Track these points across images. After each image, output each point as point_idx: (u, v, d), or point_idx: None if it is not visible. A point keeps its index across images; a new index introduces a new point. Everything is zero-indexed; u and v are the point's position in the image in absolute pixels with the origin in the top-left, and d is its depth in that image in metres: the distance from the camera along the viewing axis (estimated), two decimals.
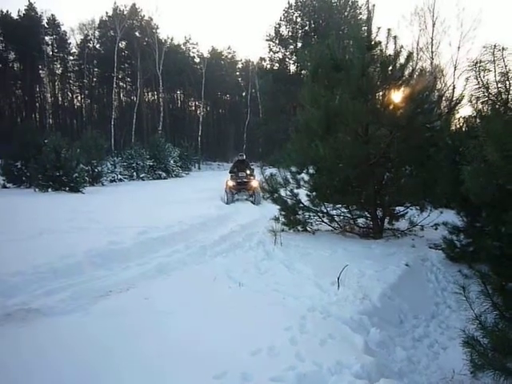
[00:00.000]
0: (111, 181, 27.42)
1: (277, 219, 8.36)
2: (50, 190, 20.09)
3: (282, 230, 8.14)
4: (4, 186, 24.09)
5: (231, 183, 15.07)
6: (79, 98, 57.88)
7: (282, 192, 8.52)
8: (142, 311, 4.52)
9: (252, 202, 14.67)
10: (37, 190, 20.32)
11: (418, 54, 26.47)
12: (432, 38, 28.05)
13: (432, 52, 28.00)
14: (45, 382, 3.14)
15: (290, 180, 8.45)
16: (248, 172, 15.57)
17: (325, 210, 8.46)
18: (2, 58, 48.35)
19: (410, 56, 7.75)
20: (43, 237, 8.19)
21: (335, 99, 7.69)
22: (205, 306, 4.58)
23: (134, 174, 30.05)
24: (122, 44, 51.79)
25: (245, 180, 15.19)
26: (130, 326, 4.09)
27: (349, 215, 8.56)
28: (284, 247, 7.18)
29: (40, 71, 51.29)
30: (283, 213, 8.50)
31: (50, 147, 20.88)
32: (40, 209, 12.68)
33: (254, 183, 14.56)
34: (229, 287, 5.27)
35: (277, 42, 45.41)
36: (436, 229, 7.54)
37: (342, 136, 7.73)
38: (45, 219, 10.16)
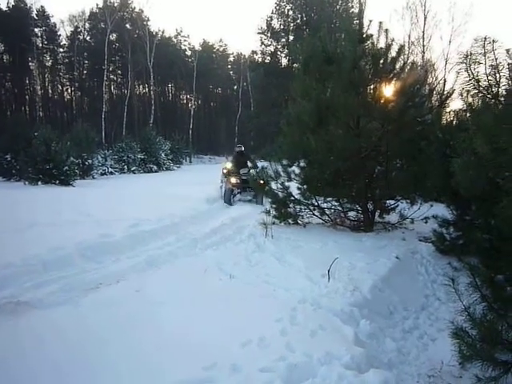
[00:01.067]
0: (102, 174, 27.28)
1: (268, 212, 8.37)
2: (40, 183, 19.94)
3: (273, 223, 8.14)
4: None
5: (234, 180, 12.57)
6: (69, 90, 57.42)
7: (273, 185, 8.51)
8: (132, 303, 4.51)
9: (256, 202, 12.42)
10: (27, 183, 20.16)
11: (409, 48, 26.56)
12: (423, 32, 28.16)
13: (423, 46, 28.11)
14: (38, 375, 3.13)
15: (281, 173, 8.44)
16: (250, 165, 12.63)
17: (316, 203, 8.47)
18: None
19: (401, 49, 7.77)
20: (33, 229, 8.12)
21: (327, 92, 7.69)
22: (195, 298, 4.58)
23: (125, 167, 29.91)
24: (113, 36, 51.41)
25: (248, 176, 12.56)
26: (120, 317, 4.08)
27: (340, 208, 8.58)
28: (275, 240, 7.19)
29: (29, 63, 50.75)
30: (274, 206, 8.51)
31: (40, 140, 20.71)
32: (30, 202, 12.58)
33: (261, 180, 12.54)
34: (219, 279, 5.27)
35: (268, 35, 45.28)
36: (426, 222, 7.58)
37: (334, 129, 7.73)
38: (35, 212, 10.08)
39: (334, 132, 7.69)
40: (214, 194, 13.46)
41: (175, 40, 61.09)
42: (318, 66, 7.86)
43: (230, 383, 2.96)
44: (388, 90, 7.45)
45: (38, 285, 5.34)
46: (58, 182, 19.94)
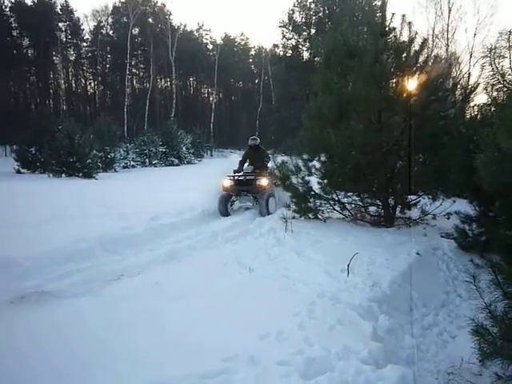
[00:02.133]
0: (124, 167, 27.61)
1: (288, 207, 8.37)
2: (63, 175, 20.29)
3: (293, 218, 8.13)
4: (18, 172, 24.37)
5: (227, 183, 10.14)
6: (92, 84, 58.04)
7: (294, 179, 8.49)
8: (152, 295, 4.57)
9: (260, 212, 9.59)
10: (51, 175, 20.53)
11: (433, 41, 26.12)
12: (448, 25, 27.67)
13: (448, 39, 27.63)
14: (56, 359, 3.20)
15: (302, 167, 8.42)
16: (260, 165, 10.67)
17: (336, 198, 8.43)
18: (16, 44, 48.53)
19: (424, 42, 7.66)
20: (56, 222, 8.28)
21: (348, 86, 7.63)
22: (215, 291, 4.61)
23: (147, 160, 30.20)
24: (135, 31, 51.76)
25: (249, 177, 10.13)
26: (140, 309, 4.14)
27: (360, 203, 8.53)
28: (295, 234, 7.18)
29: (54, 58, 51.46)
30: (294, 200, 8.50)
31: (63, 133, 21.05)
32: (53, 194, 12.80)
33: (264, 181, 9.91)
34: (239, 273, 5.30)
35: (290, 28, 45.08)
36: (448, 218, 7.48)
37: (354, 123, 7.67)
38: (58, 204, 10.26)
39: (354, 126, 7.63)
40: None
41: (197, 34, 61.21)
42: (340, 60, 7.80)
43: (248, 375, 2.98)
44: (410, 84, 7.35)
45: (60, 276, 5.46)
46: (81, 174, 20.25)
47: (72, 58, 55.13)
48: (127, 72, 47.21)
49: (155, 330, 3.69)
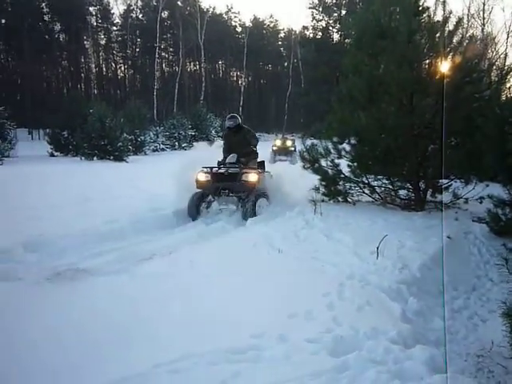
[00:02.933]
0: (154, 150, 27.92)
1: (317, 189, 8.36)
2: (95, 158, 20.69)
3: (322, 201, 8.12)
4: (52, 155, 24.95)
5: (203, 177, 8.10)
6: (122, 68, 58.64)
7: (323, 162, 8.46)
8: (183, 274, 4.66)
9: (244, 216, 7.61)
10: (83, 158, 20.97)
11: (468, 21, 25.39)
12: (484, 4, 26.83)
13: (483, 18, 26.82)
14: (93, 332, 3.32)
15: (331, 150, 8.37)
16: (245, 151, 8.51)
17: (366, 181, 8.37)
18: (48, 29, 49.26)
19: (459, 22, 7.47)
20: (89, 203, 8.51)
21: (379, 68, 7.52)
22: (244, 270, 4.67)
23: (176, 143, 30.47)
24: (165, 14, 51.90)
25: (232, 171, 8.10)
26: (172, 287, 4.23)
27: (390, 186, 8.45)
28: (324, 217, 7.18)
29: (85, 42, 52.08)
30: (323, 183, 8.46)
31: (95, 117, 21.42)
32: (86, 176, 13.08)
33: (252, 176, 7.98)
34: (268, 253, 5.35)
35: (320, 9, 44.51)
36: (481, 202, 7.35)
37: (385, 106, 7.58)
38: (91, 186, 10.50)
39: (385, 109, 7.54)
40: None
41: (226, 16, 60.99)
42: (371, 41, 7.68)
43: (277, 351, 3.03)
44: (444, 66, 7.20)
45: (94, 254, 5.65)
46: (112, 157, 20.61)
47: (102, 42, 55.74)
48: (156, 56, 47.47)
49: (186, 306, 3.78)
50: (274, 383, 2.68)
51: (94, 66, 52.06)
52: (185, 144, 30.65)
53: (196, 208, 7.98)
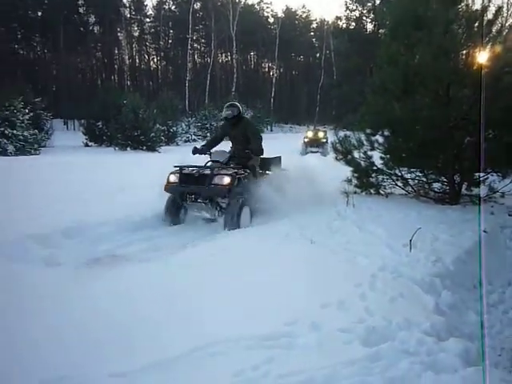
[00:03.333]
0: (185, 141, 28.21)
1: (349, 181, 8.32)
2: (128, 148, 21.06)
3: (354, 193, 8.09)
4: (86, 145, 25.50)
5: (172, 178, 6.97)
6: (155, 59, 59.25)
7: (356, 154, 8.42)
8: (216, 263, 4.73)
9: (225, 224, 6.49)
10: (117, 148, 21.36)
11: (508, 10, 24.63)
12: None
13: None
14: (133, 315, 3.44)
15: (364, 142, 8.31)
16: (247, 148, 7.23)
17: (399, 174, 8.29)
18: (83, 21, 50.16)
19: (498, 11, 7.26)
20: (124, 192, 8.70)
21: (415, 58, 7.41)
22: (276, 260, 4.72)
23: (208, 134, 30.68)
24: (197, 5, 52.08)
25: (203, 172, 6.76)
26: (206, 275, 4.31)
27: (424, 179, 8.34)
28: (356, 209, 7.15)
29: (118, 34, 52.81)
30: (356, 175, 8.43)
31: (128, 108, 21.78)
32: (120, 166, 13.33)
33: (226, 179, 6.58)
34: (301, 244, 5.38)
35: None
36: None
37: (421, 97, 7.47)
38: (125, 176, 10.71)
39: (420, 100, 7.44)
40: (297, 162, 13.35)
41: (258, 7, 60.85)
42: (407, 31, 7.56)
43: (310, 339, 3.08)
44: (482, 56, 7.04)
45: (130, 242, 5.82)
46: (144, 148, 20.94)
47: (136, 33, 56.46)
48: (189, 47, 47.78)
49: (220, 293, 3.85)
50: (307, 370, 2.72)
51: (127, 57, 52.79)
52: None
53: (172, 213, 6.99)
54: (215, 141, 7.87)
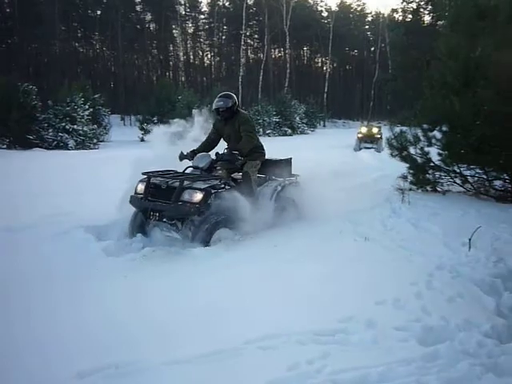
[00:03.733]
0: None
1: (404, 178, 8.13)
2: None
3: (410, 189, 7.90)
4: (142, 140, 26.13)
5: (140, 187, 5.62)
6: (209, 55, 59.94)
7: (412, 150, 8.22)
8: (269, 258, 4.75)
9: (192, 238, 5.24)
10: None
11: None
12: None
13: None
14: (190, 305, 3.54)
15: (421, 138, 8.10)
16: (242, 148, 5.94)
17: (457, 170, 8.02)
18: (139, 19, 51.43)
19: None
20: None
21: (476, 50, 7.14)
22: (331, 256, 4.69)
23: (261, 130, 30.79)
24: (251, 1, 52.21)
25: (172, 184, 5.38)
26: (261, 271, 4.32)
27: (484, 176, 8.03)
28: (411, 206, 6.99)
29: (173, 31, 53.77)
30: (411, 171, 8.22)
31: (183, 103, 22.16)
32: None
33: (195, 196, 5.20)
34: (354, 240, 5.33)
35: None
36: None
37: (482, 90, 7.19)
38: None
39: (482, 94, 7.16)
40: (349, 159, 13.21)
41: (311, 1, 60.32)
42: (468, 22, 7.29)
43: (365, 336, 3.05)
44: None
45: None
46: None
47: (190, 30, 57.23)
48: (242, 43, 48.06)
49: (273, 288, 3.87)
50: (362, 367, 2.69)
51: (181, 53, 53.77)
52: (269, 130, 30.91)
53: (136, 228, 5.67)
54: (209, 142, 6.31)
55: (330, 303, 3.56)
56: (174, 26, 53.28)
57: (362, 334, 3.08)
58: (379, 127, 23.16)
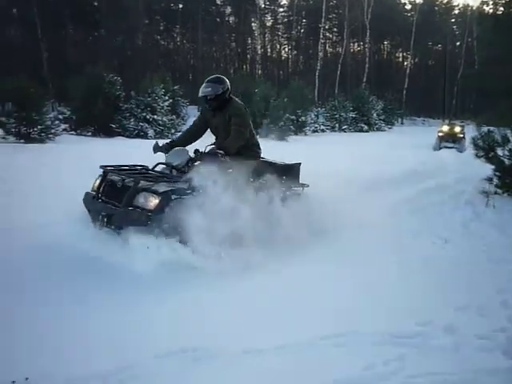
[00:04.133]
0: (313, 131, 28.18)
1: (490, 180, 7.73)
2: (258, 136, 21.61)
3: (495, 193, 7.50)
4: None
5: (97, 184, 4.72)
6: (286, 49, 59.77)
7: (500, 151, 7.80)
8: (340, 260, 4.62)
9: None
10: None
11: None
12: None
13: None
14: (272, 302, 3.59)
15: (510, 138, 7.68)
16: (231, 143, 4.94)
17: None
18: (219, 12, 52.24)
19: None
20: None
21: None
22: (407, 258, 4.59)
23: (336, 125, 30.42)
24: None
25: (128, 183, 4.43)
26: (329, 271, 4.24)
27: None
28: (497, 210, 6.65)
29: (252, 24, 54.12)
30: (498, 174, 7.81)
31: (259, 96, 22.32)
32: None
33: (151, 202, 4.21)
34: (432, 242, 5.18)
35: None
36: None
37: None
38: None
39: None
40: (428, 159, 12.76)
41: None
42: None
43: (444, 341, 2.97)
44: None
45: None
46: (273, 136, 21.35)
47: (269, 23, 57.32)
48: (321, 36, 47.44)
49: (349, 287, 3.84)
50: (441, 373, 2.63)
51: (259, 47, 53.96)
52: (345, 126, 30.48)
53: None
54: (191, 132, 5.44)
55: (408, 306, 3.50)
56: (252, 19, 53.56)
57: (442, 339, 3.01)
58: (462, 126, 22.12)
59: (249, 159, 5.03)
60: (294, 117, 24.83)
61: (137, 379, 2.54)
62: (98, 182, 4.70)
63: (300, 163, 5.79)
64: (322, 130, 29.05)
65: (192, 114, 33.44)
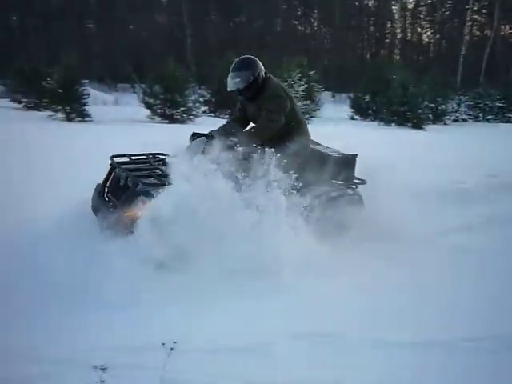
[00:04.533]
0: (454, 120, 26.51)
1: None
2: (393, 124, 20.89)
3: None
4: (352, 118, 26.29)
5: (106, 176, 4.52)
6: (428, 33, 56.65)
7: None
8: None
9: None
10: (381, 123, 21.43)
11: None
12: None
13: None
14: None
15: None
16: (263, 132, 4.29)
17: None
18: None
19: None
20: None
21: None
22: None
23: (480, 114, 28.23)
24: None
25: (130, 180, 4.05)
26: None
27: None
28: None
29: (393, 7, 52.24)
30: None
31: (397, 82, 21.53)
32: (388, 142, 13.29)
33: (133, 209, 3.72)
34: None
35: None
36: None
37: None
38: (394, 152, 10.61)
39: None
40: None
41: None
42: None
43: None
44: None
45: None
46: (410, 124, 20.51)
47: (410, 6, 54.80)
48: (467, 18, 44.21)
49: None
50: None
51: (399, 31, 51.90)
52: (490, 116, 28.14)
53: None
54: (237, 122, 4.74)
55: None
56: (393, 2, 51.65)
57: None
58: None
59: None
60: (433, 104, 23.53)
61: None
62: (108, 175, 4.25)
63: (356, 154, 4.92)
64: (464, 120, 27.17)
65: (326, 101, 33.42)
